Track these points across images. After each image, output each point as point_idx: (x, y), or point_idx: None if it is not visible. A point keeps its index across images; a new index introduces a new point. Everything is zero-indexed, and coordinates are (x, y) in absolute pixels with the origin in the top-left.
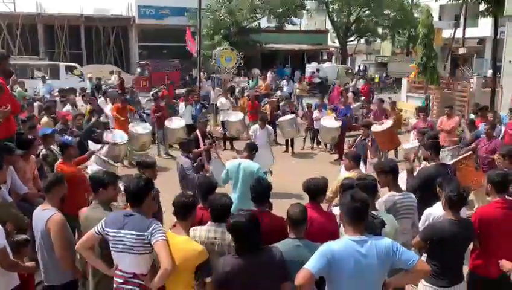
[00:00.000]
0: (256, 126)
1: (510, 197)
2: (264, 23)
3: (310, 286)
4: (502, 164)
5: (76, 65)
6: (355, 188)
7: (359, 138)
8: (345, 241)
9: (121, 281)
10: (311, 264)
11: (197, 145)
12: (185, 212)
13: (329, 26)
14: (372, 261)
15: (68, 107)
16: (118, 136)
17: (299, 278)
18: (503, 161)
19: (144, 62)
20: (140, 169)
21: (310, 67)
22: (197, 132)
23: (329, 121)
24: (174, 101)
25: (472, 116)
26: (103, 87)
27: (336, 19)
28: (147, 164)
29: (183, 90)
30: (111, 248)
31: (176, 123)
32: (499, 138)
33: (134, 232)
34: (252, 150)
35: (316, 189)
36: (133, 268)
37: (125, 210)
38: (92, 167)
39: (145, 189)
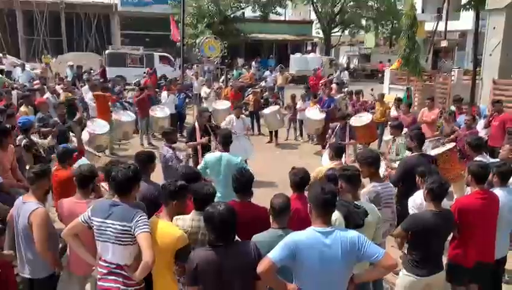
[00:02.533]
0: (232, 116)
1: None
2: (248, 12)
3: (272, 274)
4: (469, 152)
5: (168, 55)
6: (338, 178)
7: (338, 126)
8: (310, 232)
9: (105, 271)
10: (274, 254)
11: (194, 136)
12: (167, 199)
13: (313, 16)
14: (336, 252)
15: (48, 94)
16: (99, 125)
17: (260, 267)
18: (469, 149)
19: None
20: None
21: (294, 58)
22: (196, 124)
23: (313, 113)
24: (157, 90)
25: (452, 108)
26: (84, 76)
27: (320, 10)
28: (150, 156)
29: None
30: (95, 238)
31: (160, 112)
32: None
33: (118, 223)
34: (227, 140)
35: (301, 180)
36: (116, 259)
37: (111, 200)
38: None
39: (133, 180)
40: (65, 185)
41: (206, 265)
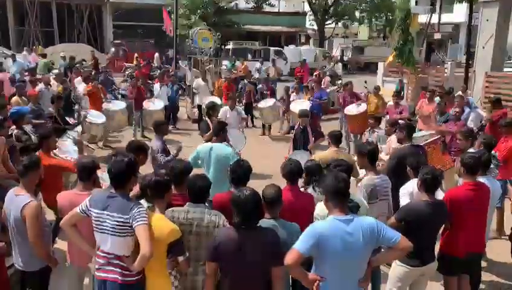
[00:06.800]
0: (226, 108)
1: (480, 179)
2: (242, 4)
3: (299, 265)
4: (461, 143)
5: (282, 49)
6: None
7: (297, 127)
8: (332, 221)
9: (103, 262)
10: (300, 245)
11: (209, 130)
12: (161, 191)
13: (307, 8)
14: (358, 239)
15: (41, 86)
16: (95, 115)
17: (288, 259)
18: (464, 140)
19: (118, 42)
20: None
21: (288, 50)
22: (207, 119)
23: (298, 104)
24: (149, 81)
25: (436, 99)
26: (76, 66)
27: (314, 1)
28: (140, 146)
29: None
30: (94, 228)
31: (154, 105)
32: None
33: (116, 215)
34: (219, 131)
35: (292, 171)
36: (114, 250)
37: (109, 191)
38: (67, 149)
39: (127, 172)
40: (50, 172)
41: (227, 244)
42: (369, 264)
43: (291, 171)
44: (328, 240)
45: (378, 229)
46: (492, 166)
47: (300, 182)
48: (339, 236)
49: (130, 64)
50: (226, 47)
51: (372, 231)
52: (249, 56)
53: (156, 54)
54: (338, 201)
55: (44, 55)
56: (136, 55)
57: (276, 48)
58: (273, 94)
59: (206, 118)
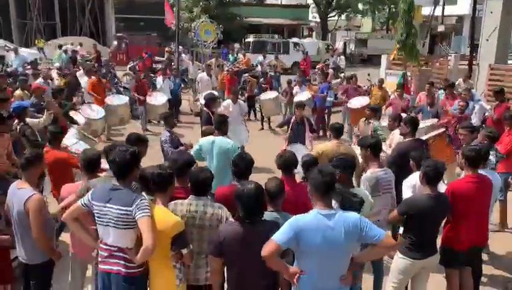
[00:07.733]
0: (229, 101)
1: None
2: None
3: (276, 257)
4: (465, 138)
5: (299, 41)
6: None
7: (294, 120)
8: (314, 215)
9: (106, 254)
10: (278, 237)
11: (211, 123)
12: (164, 185)
13: (310, 0)
14: (340, 234)
15: (40, 80)
16: (94, 111)
17: (265, 250)
18: (468, 134)
19: (120, 35)
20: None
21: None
22: (206, 109)
23: (301, 97)
24: (152, 74)
25: (440, 92)
26: (78, 60)
27: None
28: (139, 138)
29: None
30: (96, 221)
31: (157, 99)
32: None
33: (118, 207)
34: (221, 124)
35: (287, 162)
36: (117, 242)
37: (111, 183)
38: (70, 141)
39: (131, 163)
40: (56, 166)
41: (232, 239)
42: (352, 261)
43: (286, 162)
44: (309, 233)
45: (362, 226)
46: (490, 157)
47: (297, 177)
48: (320, 230)
49: (160, 58)
50: (247, 40)
51: (354, 227)
52: (269, 49)
53: (180, 47)
54: (321, 195)
55: (60, 46)
56: (166, 48)
57: (296, 41)
58: (271, 88)
59: (206, 109)
